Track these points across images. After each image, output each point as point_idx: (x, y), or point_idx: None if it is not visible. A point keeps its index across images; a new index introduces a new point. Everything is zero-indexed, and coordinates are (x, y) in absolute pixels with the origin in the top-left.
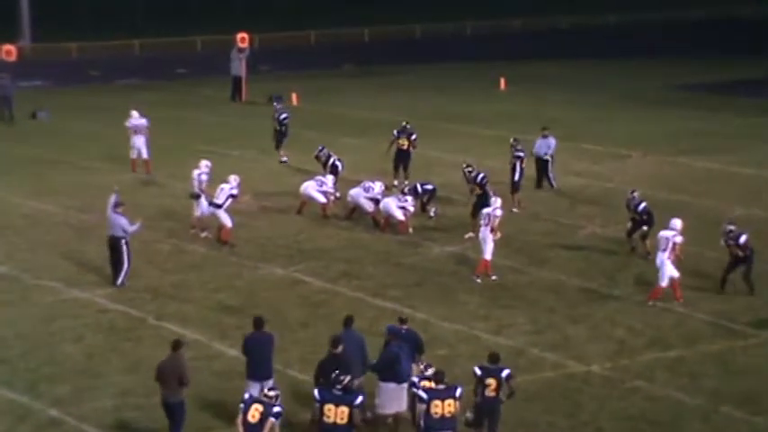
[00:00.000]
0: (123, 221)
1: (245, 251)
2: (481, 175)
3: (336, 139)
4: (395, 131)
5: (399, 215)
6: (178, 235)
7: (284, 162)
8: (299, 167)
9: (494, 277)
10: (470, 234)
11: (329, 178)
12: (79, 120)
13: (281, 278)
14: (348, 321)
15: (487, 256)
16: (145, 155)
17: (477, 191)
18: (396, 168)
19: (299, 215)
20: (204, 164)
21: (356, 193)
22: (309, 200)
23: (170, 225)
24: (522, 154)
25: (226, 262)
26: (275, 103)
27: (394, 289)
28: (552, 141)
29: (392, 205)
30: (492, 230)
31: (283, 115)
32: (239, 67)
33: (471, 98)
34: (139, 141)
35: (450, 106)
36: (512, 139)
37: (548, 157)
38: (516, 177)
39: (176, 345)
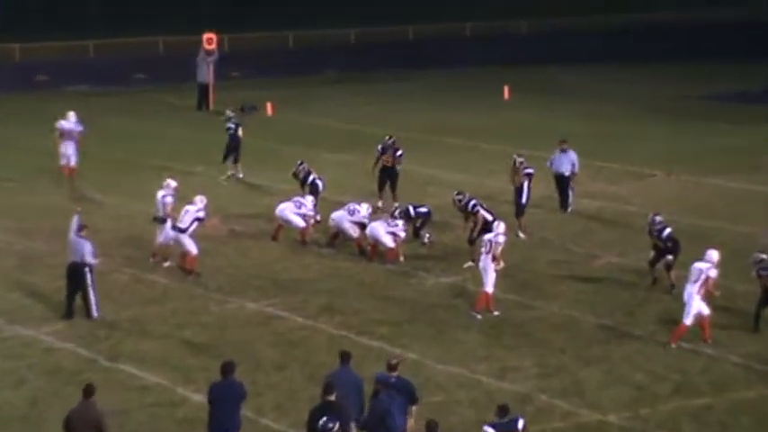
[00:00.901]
0: (88, 247)
1: (212, 282)
2: (472, 203)
3: (318, 155)
4: (378, 147)
5: (389, 242)
6: (136, 263)
7: (231, 177)
8: (274, 187)
9: (496, 313)
10: (469, 263)
11: (308, 199)
12: (23, 131)
13: (254, 313)
14: (345, 357)
15: (489, 288)
16: (73, 163)
17: (474, 218)
18: (381, 188)
19: (275, 241)
20: (169, 184)
21: (339, 216)
22: (286, 224)
23: (127, 252)
24: (531, 171)
25: (191, 294)
26: (229, 113)
27: (382, 326)
28: (574, 156)
29: (380, 230)
30: (494, 259)
31: (232, 127)
32: (206, 72)
33: (471, 108)
34: (70, 149)
35: (448, 118)
36: (516, 156)
37: (571, 175)
38: (524, 200)
39: (88, 390)
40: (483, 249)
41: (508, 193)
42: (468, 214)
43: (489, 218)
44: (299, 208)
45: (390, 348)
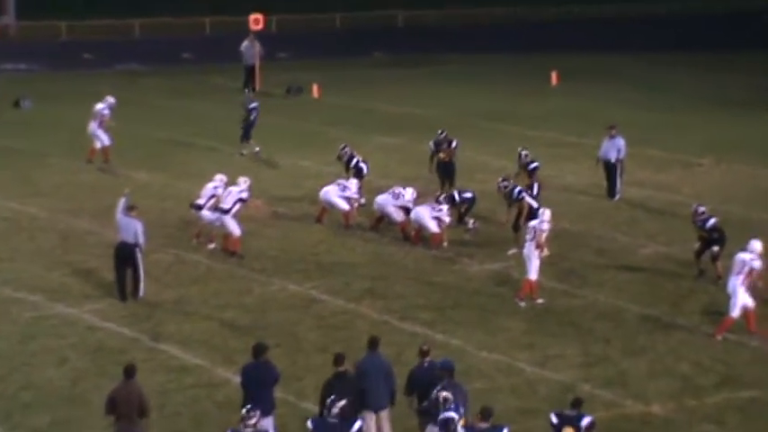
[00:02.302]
0: (140, 227)
1: (255, 264)
2: (517, 190)
3: (364, 138)
4: (431, 143)
5: (433, 227)
6: (180, 244)
7: (246, 154)
8: (319, 169)
9: (540, 301)
10: (514, 250)
11: (353, 182)
12: (69, 110)
13: (296, 296)
14: (372, 343)
15: (533, 276)
16: (97, 144)
17: (518, 205)
18: (442, 185)
19: (319, 224)
20: (219, 178)
21: (384, 200)
22: (330, 207)
23: (171, 232)
24: (537, 164)
25: (233, 276)
26: (248, 94)
27: (425, 311)
28: (621, 142)
29: (425, 215)
30: (538, 246)
31: (252, 104)
32: (253, 53)
33: (519, 94)
34: (92, 129)
35: (495, 103)
36: (520, 149)
37: (617, 162)
38: (534, 191)
39: (130, 370)
40: (527, 236)
41: (556, 179)
42: (513, 201)
43: (534, 205)
44: (344, 191)
45: (432, 334)
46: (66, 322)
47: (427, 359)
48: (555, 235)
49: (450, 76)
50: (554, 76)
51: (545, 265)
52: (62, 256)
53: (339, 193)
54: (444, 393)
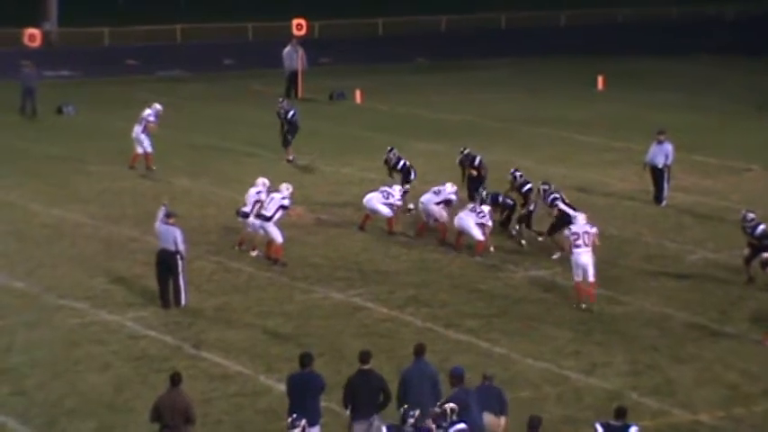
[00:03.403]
0: (178, 234)
1: (297, 271)
2: (552, 196)
3: (406, 144)
4: (457, 161)
5: (478, 234)
6: (222, 251)
7: (293, 160)
8: (361, 176)
9: (584, 306)
10: (558, 254)
11: (396, 189)
12: (111, 116)
13: (339, 304)
14: (418, 351)
15: (592, 278)
16: (139, 150)
17: (555, 213)
18: (471, 198)
19: (362, 231)
20: (261, 182)
21: (427, 199)
22: (373, 213)
23: (213, 239)
24: (530, 185)
25: (275, 283)
26: (282, 101)
27: (470, 319)
28: (669, 148)
29: (470, 222)
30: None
31: (291, 112)
32: (295, 58)
33: (564, 98)
34: (136, 134)
35: (540, 108)
36: (514, 170)
37: (664, 167)
38: (531, 207)
39: (176, 378)
40: (579, 242)
41: (602, 185)
42: (548, 206)
43: (571, 212)
44: (387, 198)
45: (477, 342)
46: (108, 329)
47: (487, 382)
48: (602, 241)
49: (494, 81)
50: (600, 80)
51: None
52: (105, 263)
53: (382, 200)
54: (451, 405)
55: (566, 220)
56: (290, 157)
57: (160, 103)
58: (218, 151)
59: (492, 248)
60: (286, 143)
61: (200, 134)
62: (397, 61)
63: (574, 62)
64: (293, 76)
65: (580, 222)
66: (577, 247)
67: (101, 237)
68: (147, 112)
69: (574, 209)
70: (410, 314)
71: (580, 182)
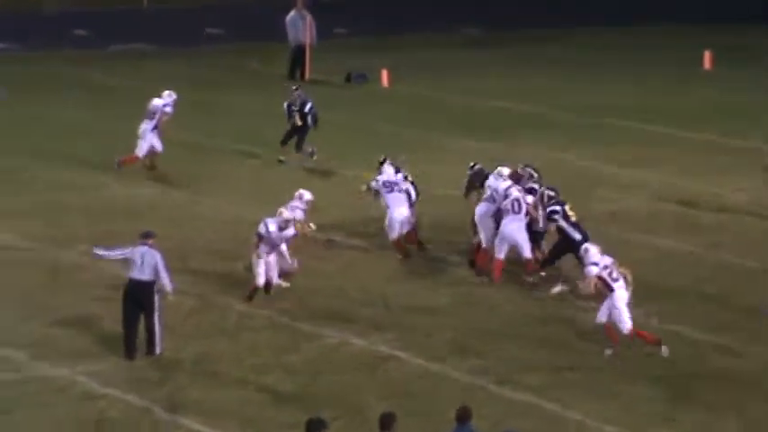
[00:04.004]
0: (159, 259)
1: (303, 309)
2: (552, 209)
3: (447, 141)
4: (465, 186)
5: (526, 251)
6: (205, 282)
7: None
8: None
9: (608, 351)
10: (559, 287)
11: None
12: (55, 103)
13: (359, 352)
14: (462, 416)
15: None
16: (138, 152)
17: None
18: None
19: (403, 257)
20: (302, 195)
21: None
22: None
23: (193, 266)
24: (558, 209)
25: (274, 325)
26: (295, 91)
27: (532, 372)
28: None
29: (519, 233)
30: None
31: (309, 105)
32: (302, 28)
33: (659, 82)
34: (142, 130)
35: (627, 94)
36: (525, 166)
37: None
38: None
39: None
40: (616, 275)
41: (714, 197)
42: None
43: (576, 237)
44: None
45: (540, 402)
46: (53, 388)
47: None
48: (711, 272)
49: (567, 60)
50: (707, 57)
51: (700, 314)
52: (48, 300)
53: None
54: None
55: (569, 245)
56: (284, 158)
57: (173, 92)
58: (201, 151)
59: (542, 273)
60: (291, 141)
61: (175, 129)
62: (436, 31)
63: (673, 33)
64: (299, 52)
65: (595, 253)
66: (615, 281)
67: (43, 264)
68: (159, 102)
69: (582, 232)
70: (453, 366)
71: (681, 193)
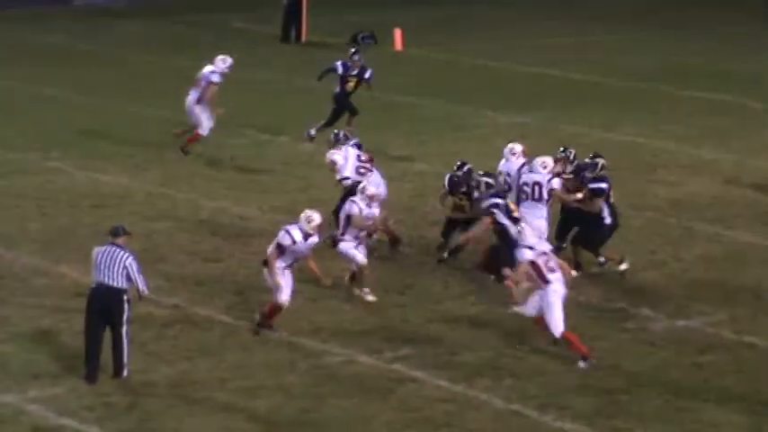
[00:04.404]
0: (134, 263)
1: (301, 320)
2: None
3: (474, 115)
4: (446, 184)
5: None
6: (182, 289)
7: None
8: (405, 167)
9: (582, 364)
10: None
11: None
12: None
13: (370, 372)
14: None
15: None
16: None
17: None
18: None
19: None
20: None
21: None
22: None
23: (166, 270)
24: (604, 185)
25: (268, 341)
26: (353, 55)
27: (581, 396)
28: None
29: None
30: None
31: (367, 73)
32: None
33: (725, 43)
34: (189, 104)
35: (686, 57)
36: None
37: None
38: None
39: None
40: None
41: None
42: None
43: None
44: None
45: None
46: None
47: None
48: None
49: (613, 12)
50: None
51: None
52: None
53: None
54: None
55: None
56: (313, 132)
57: (228, 57)
58: (176, 128)
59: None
60: (342, 118)
61: (145, 103)
62: None
63: None
64: (293, 7)
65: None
66: (552, 271)
67: None
68: (209, 69)
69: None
70: (484, 389)
71: (757, 175)
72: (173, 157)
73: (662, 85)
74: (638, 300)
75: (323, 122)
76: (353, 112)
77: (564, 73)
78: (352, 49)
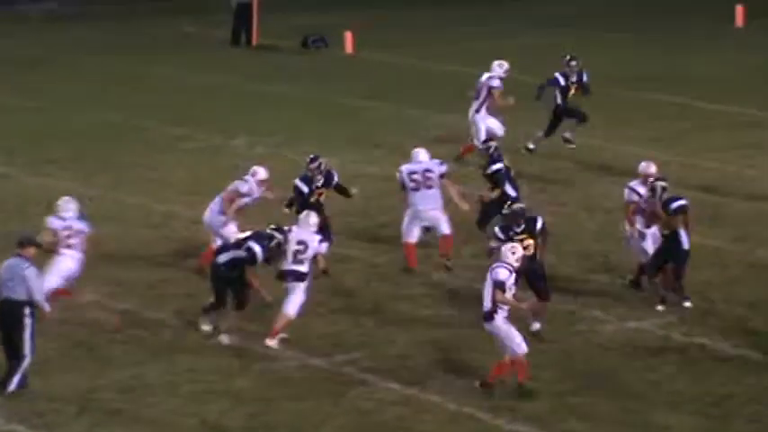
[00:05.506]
0: (33, 276)
1: (254, 321)
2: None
3: (424, 117)
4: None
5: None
6: (131, 292)
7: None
8: (356, 170)
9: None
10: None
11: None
12: None
13: (321, 375)
14: None
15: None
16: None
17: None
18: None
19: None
20: (256, 172)
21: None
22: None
23: (116, 274)
24: (684, 203)
25: (218, 344)
26: (571, 61)
27: (534, 398)
28: None
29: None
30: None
31: (585, 77)
32: None
33: (684, 41)
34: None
35: (644, 58)
36: (658, 182)
37: None
38: (685, 245)
39: None
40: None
41: (743, 184)
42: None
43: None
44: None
45: None
46: None
47: None
48: (742, 271)
49: (568, 17)
50: (739, 12)
51: None
52: None
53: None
54: None
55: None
56: (532, 146)
57: (501, 62)
58: (125, 134)
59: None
60: (561, 125)
61: (95, 109)
62: None
63: None
64: (243, 11)
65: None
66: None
67: None
68: (487, 75)
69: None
70: (436, 392)
71: (705, 177)
72: (123, 161)
73: (616, 88)
74: (588, 302)
75: (541, 134)
76: (584, 118)
77: (519, 76)
78: (568, 56)
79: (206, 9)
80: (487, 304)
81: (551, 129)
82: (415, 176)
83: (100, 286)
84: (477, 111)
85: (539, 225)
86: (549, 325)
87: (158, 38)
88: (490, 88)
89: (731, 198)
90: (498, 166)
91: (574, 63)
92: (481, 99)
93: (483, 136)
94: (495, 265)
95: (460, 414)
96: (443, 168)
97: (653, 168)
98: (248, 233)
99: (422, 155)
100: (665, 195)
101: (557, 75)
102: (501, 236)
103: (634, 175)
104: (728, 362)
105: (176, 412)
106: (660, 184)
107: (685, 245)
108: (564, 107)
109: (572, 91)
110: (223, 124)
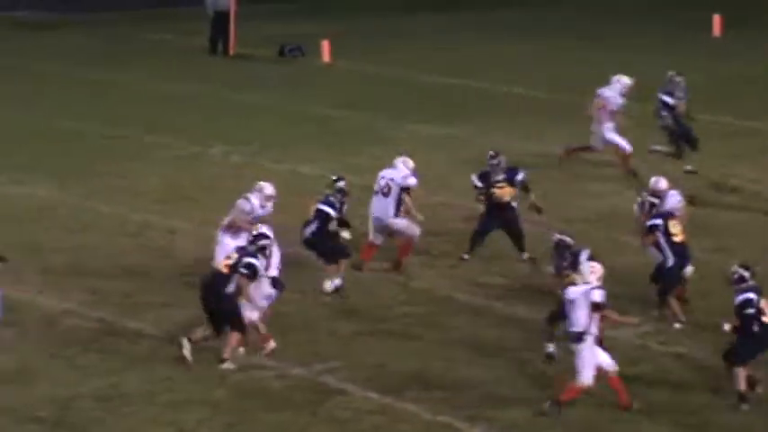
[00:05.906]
0: None
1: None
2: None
3: (398, 126)
4: (474, 179)
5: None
6: (107, 301)
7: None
8: (305, 176)
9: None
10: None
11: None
12: None
13: (300, 385)
14: None
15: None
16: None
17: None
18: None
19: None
20: (262, 188)
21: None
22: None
23: (93, 283)
24: (658, 222)
25: (196, 354)
26: (674, 77)
27: (513, 405)
28: None
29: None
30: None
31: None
32: None
33: (659, 51)
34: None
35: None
36: (645, 195)
37: None
38: (670, 262)
39: None
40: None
41: (721, 194)
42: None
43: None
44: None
45: None
46: None
47: None
48: (720, 282)
49: (542, 26)
50: (717, 21)
51: None
52: None
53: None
54: None
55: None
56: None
57: (617, 76)
58: (101, 144)
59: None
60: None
61: (66, 117)
62: None
63: None
64: (220, 20)
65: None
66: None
67: None
68: (608, 93)
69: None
70: (413, 400)
71: (683, 187)
72: (97, 170)
73: (580, 96)
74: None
75: (668, 151)
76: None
77: (486, 84)
78: (672, 72)
79: (182, 17)
80: (578, 327)
81: (678, 150)
82: (381, 182)
83: (76, 295)
84: (605, 124)
85: (519, 177)
86: (528, 334)
87: (133, 45)
88: (612, 105)
89: (709, 209)
90: (522, 173)
91: (678, 79)
92: (607, 116)
93: (625, 144)
94: (585, 289)
95: (436, 423)
96: (409, 182)
97: (662, 184)
98: (234, 256)
99: (400, 164)
100: (654, 212)
101: (662, 96)
102: (479, 183)
103: (606, 184)
104: (705, 371)
105: (154, 421)
106: (650, 199)
107: (669, 262)
108: (678, 123)
109: (681, 106)
110: (199, 133)
